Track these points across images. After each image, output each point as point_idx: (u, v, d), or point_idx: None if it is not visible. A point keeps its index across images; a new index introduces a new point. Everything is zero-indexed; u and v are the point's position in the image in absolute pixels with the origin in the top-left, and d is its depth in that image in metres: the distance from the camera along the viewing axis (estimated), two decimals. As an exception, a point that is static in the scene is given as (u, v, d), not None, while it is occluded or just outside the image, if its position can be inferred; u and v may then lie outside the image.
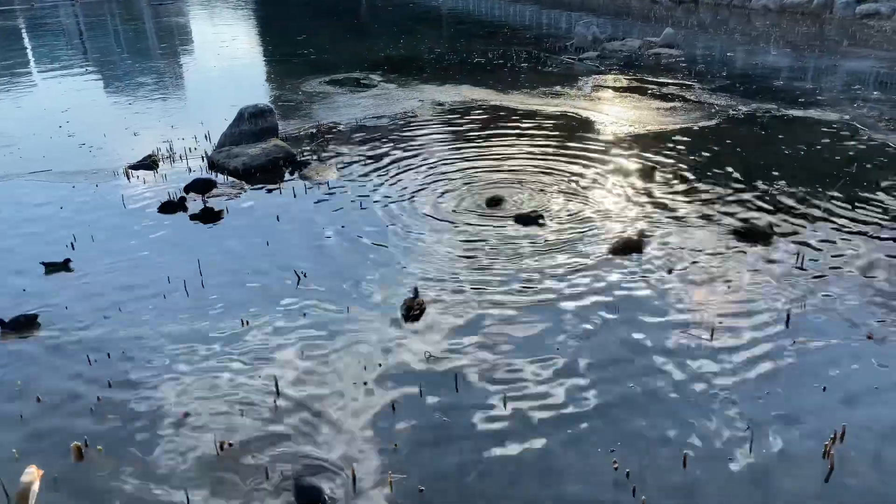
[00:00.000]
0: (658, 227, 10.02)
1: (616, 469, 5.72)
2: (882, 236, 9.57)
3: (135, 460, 5.98)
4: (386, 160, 13.24)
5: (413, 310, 7.91)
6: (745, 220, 10.09)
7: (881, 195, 10.93)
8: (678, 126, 14.96)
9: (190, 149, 14.18)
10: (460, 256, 9.30)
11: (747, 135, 14.37)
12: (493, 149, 13.77)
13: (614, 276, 8.67)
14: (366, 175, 12.56)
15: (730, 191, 11.32)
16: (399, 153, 13.63)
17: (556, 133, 14.74)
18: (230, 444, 6.11)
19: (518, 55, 23.65)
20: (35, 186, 12.59)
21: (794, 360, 7.02)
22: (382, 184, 12.06)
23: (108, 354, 7.42)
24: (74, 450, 6.04)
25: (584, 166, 12.62)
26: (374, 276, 8.87)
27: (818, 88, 18.16)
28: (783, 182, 11.60)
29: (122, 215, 11.14)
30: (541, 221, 10.16)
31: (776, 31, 27.45)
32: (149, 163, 13.27)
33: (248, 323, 7.91)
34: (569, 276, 8.68)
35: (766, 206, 10.69)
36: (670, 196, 11.15)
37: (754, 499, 5.45)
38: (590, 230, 9.96)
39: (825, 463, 5.71)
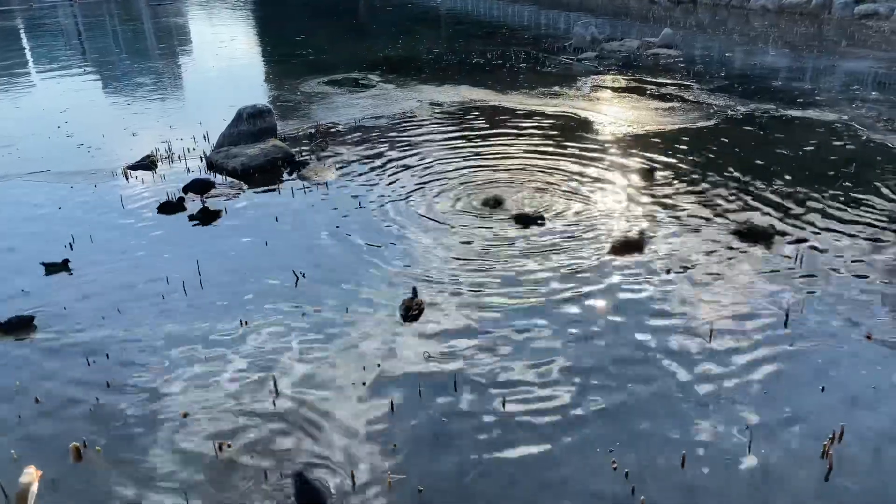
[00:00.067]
0: (657, 227, 10.03)
1: (615, 469, 5.72)
2: (880, 236, 9.58)
3: (134, 461, 5.98)
4: (384, 160, 13.24)
5: (412, 310, 7.91)
6: (743, 221, 10.09)
7: (880, 195, 10.94)
8: (677, 126, 14.97)
9: (188, 149, 14.17)
10: (459, 257, 9.29)
11: (746, 135, 14.38)
12: (492, 149, 13.77)
13: (613, 277, 8.68)
14: (364, 175, 12.56)
15: (728, 191, 11.33)
16: (397, 153, 13.63)
17: (555, 133, 14.74)
18: (229, 445, 6.11)
19: (517, 55, 23.65)
20: (34, 187, 12.57)
21: (792, 360, 7.03)
22: (381, 184, 12.06)
23: (107, 355, 7.41)
24: (73, 451, 6.03)
25: (583, 166, 12.63)
26: (373, 277, 8.87)
27: (816, 89, 18.18)
28: (782, 182, 11.61)
29: (121, 216, 11.13)
30: (540, 222, 10.16)
31: (774, 32, 27.48)
32: (147, 163, 13.26)
33: (246, 323, 7.91)
34: (568, 277, 8.68)
35: (764, 206, 10.70)
36: (669, 196, 11.16)
37: (753, 499, 5.46)
38: (589, 230, 9.97)
39: (824, 463, 5.72)
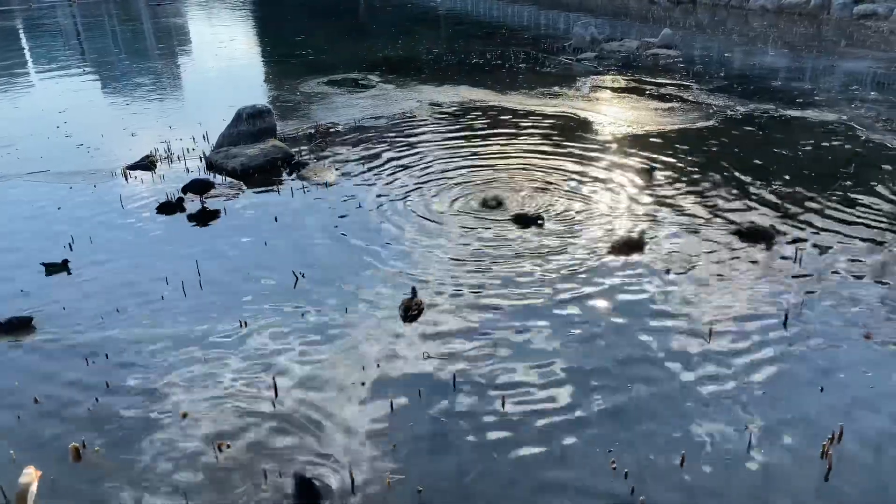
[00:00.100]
0: (656, 227, 10.03)
1: (614, 469, 5.72)
2: (879, 236, 9.58)
3: (133, 461, 5.98)
4: (384, 161, 13.24)
5: (411, 310, 7.91)
6: (742, 221, 10.09)
7: (879, 195, 10.95)
8: (676, 127, 14.98)
9: (188, 149, 14.17)
10: (458, 257, 9.29)
11: (745, 135, 14.39)
12: (492, 149, 13.77)
13: (613, 277, 8.68)
14: (364, 175, 12.56)
15: (728, 191, 11.33)
16: (397, 154, 13.63)
17: (555, 134, 14.74)
18: (228, 446, 6.11)
19: (516, 56, 23.66)
20: (33, 187, 12.57)
21: (792, 360, 7.03)
22: (380, 184, 12.06)
23: (106, 355, 7.41)
24: (72, 451, 6.03)
25: (583, 167, 12.63)
26: (373, 277, 8.87)
27: (816, 89, 18.18)
28: (781, 182, 11.61)
29: (120, 216, 11.13)
30: (540, 222, 10.16)
31: (774, 32, 27.49)
32: (147, 163, 13.26)
33: (246, 324, 7.90)
34: (567, 277, 8.69)
35: (763, 206, 10.70)
36: (668, 196, 11.16)
37: (753, 499, 5.46)
38: (589, 230, 9.97)
39: (823, 463, 5.72)
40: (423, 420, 6.37)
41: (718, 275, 8.67)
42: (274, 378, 6.93)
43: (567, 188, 11.63)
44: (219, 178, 12.65)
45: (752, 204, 10.79)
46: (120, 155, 13.93)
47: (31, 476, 5.53)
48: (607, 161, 12.93)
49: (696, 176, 12.04)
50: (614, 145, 13.91)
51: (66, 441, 6.14)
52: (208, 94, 20.48)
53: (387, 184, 12.06)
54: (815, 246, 9.37)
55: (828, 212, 10.41)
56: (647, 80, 19.57)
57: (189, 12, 42.05)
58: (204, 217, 11.01)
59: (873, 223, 9.99)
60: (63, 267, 9.32)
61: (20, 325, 7.91)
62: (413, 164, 12.97)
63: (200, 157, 13.71)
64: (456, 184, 11.94)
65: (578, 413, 6.39)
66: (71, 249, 9.87)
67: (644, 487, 5.53)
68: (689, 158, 12.94)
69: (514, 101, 17.62)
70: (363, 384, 6.85)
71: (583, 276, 8.71)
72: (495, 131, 15.00)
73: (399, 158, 13.33)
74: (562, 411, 6.41)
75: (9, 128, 16.52)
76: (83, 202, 11.75)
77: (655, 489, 5.53)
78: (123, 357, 7.40)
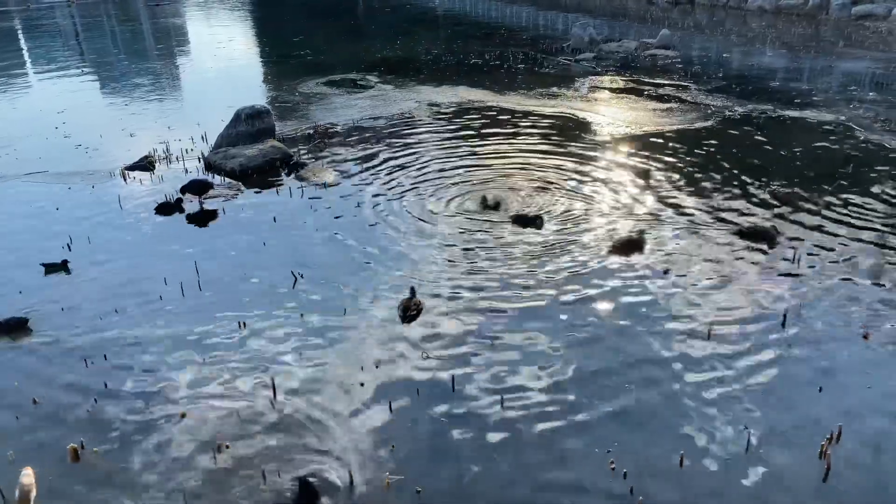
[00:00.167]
0: (655, 228, 10.03)
1: (613, 469, 5.72)
2: (877, 236, 9.59)
3: (131, 462, 5.97)
4: (383, 161, 13.24)
5: (410, 310, 7.91)
6: (742, 221, 10.11)
7: (877, 195, 10.96)
8: (675, 127, 14.99)
9: (186, 150, 14.16)
10: (457, 257, 9.29)
11: (743, 136, 14.40)
12: (490, 150, 13.78)
13: (611, 277, 8.69)
14: (363, 176, 12.55)
15: (726, 192, 11.34)
16: (395, 154, 13.63)
17: (553, 134, 14.75)
18: (227, 446, 6.10)
19: (515, 56, 23.67)
20: (32, 187, 12.55)
21: (790, 360, 7.04)
22: (379, 184, 12.06)
23: (105, 356, 7.40)
24: (71, 452, 6.03)
25: (581, 167, 12.64)
26: (371, 277, 8.87)
27: (814, 89, 18.20)
28: (779, 183, 11.62)
29: (119, 216, 11.12)
30: (538, 222, 10.16)
31: (772, 33, 27.52)
32: (145, 164, 13.25)
33: (245, 324, 7.90)
34: (566, 278, 8.69)
35: (762, 206, 10.71)
36: (667, 197, 11.17)
37: (751, 499, 5.46)
38: (588, 231, 9.98)
39: (822, 463, 5.73)
40: (421, 420, 6.37)
41: (716, 275, 8.68)
42: (273, 378, 6.93)
43: (566, 188, 11.63)
44: (217, 179, 12.65)
45: (751, 204, 10.80)
46: (118, 155, 13.92)
47: (31, 476, 5.53)
48: (606, 162, 12.94)
49: (694, 176, 12.05)
50: (613, 146, 13.92)
51: (65, 442, 6.14)
52: (207, 95, 20.47)
53: (385, 184, 12.06)
54: (813, 246, 9.37)
55: (826, 212, 10.42)
56: (646, 80, 19.58)
57: (188, 13, 42.03)
58: (203, 217, 11.01)
59: (871, 223, 10.00)
60: (63, 267, 9.31)
61: (17, 326, 7.90)
62: (411, 165, 12.97)
63: (199, 158, 13.71)
64: (454, 184, 11.95)
65: (577, 413, 6.39)
66: (69, 250, 9.87)
67: (643, 488, 5.53)
68: (688, 159, 12.95)
69: (512, 101, 17.63)
70: (362, 385, 6.85)
71: (582, 276, 8.72)
72: (494, 132, 15.00)
73: (397, 159, 13.33)
74: (560, 411, 6.42)
75: (7, 128, 16.51)
76: (82, 202, 11.74)
77: (654, 489, 5.54)
78: (122, 358, 7.39)
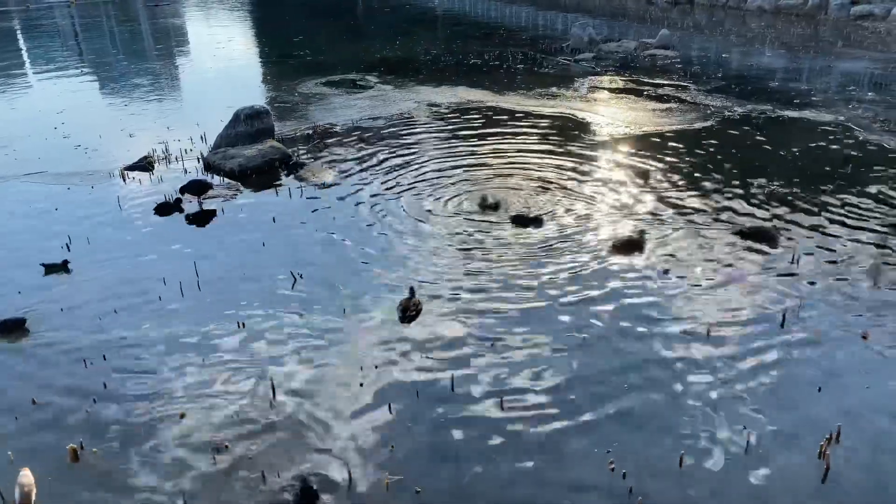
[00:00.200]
0: (654, 228, 10.04)
1: (612, 470, 5.72)
2: (876, 237, 9.60)
3: (130, 462, 5.97)
4: (382, 161, 13.24)
5: (409, 310, 7.91)
6: (740, 222, 10.12)
7: (876, 196, 10.97)
8: (674, 127, 14.99)
9: (186, 150, 14.16)
10: (457, 257, 9.30)
11: (742, 136, 14.41)
12: (490, 150, 13.78)
13: (611, 277, 8.69)
14: (362, 176, 12.55)
15: (725, 192, 11.35)
16: (395, 154, 13.63)
17: (553, 134, 14.76)
18: (226, 447, 6.10)
19: (514, 56, 23.67)
20: (31, 188, 12.55)
21: (789, 360, 7.04)
22: (378, 185, 12.06)
23: (104, 356, 7.40)
24: (70, 452, 6.02)
25: (581, 167, 12.64)
26: (371, 277, 8.86)
27: (813, 89, 18.21)
28: (778, 183, 11.63)
29: (118, 216, 11.12)
30: (538, 222, 10.17)
31: (771, 33, 27.53)
32: (144, 164, 13.25)
33: (244, 325, 7.90)
34: (565, 278, 8.69)
35: (761, 207, 10.72)
36: (666, 197, 11.17)
37: (750, 499, 5.47)
38: (587, 231, 9.98)
39: (821, 463, 5.73)
40: (421, 421, 6.37)
41: (716, 275, 8.68)
42: (272, 379, 6.93)
43: (566, 188, 11.63)
44: (216, 179, 12.64)
45: (750, 204, 10.81)
46: (118, 156, 13.92)
47: (30, 477, 5.53)
48: (605, 162, 12.95)
49: (694, 176, 12.05)
50: (612, 146, 13.92)
51: (65, 442, 6.14)
52: (206, 95, 20.46)
53: (385, 184, 12.06)
54: (812, 246, 9.38)
55: (825, 212, 10.43)
56: (645, 80, 19.59)
57: (187, 13, 42.02)
58: (202, 218, 11.00)
59: (870, 223, 10.01)
60: (63, 267, 9.31)
61: (14, 327, 7.88)
62: (411, 165, 12.97)
63: (198, 158, 13.70)
64: (454, 184, 11.95)
65: (576, 414, 6.39)
66: (69, 250, 9.86)
67: (642, 488, 5.54)
68: (687, 159, 12.95)
69: (511, 101, 17.64)
70: (361, 385, 6.85)
71: (581, 276, 8.72)
72: (493, 132, 15.00)
73: (397, 159, 13.34)
74: (560, 412, 6.42)
75: (6, 128, 16.50)
76: (81, 203, 11.73)
77: (654, 490, 5.54)
78: (121, 358, 7.39)
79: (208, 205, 11.41)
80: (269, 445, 6.13)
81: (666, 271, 8.80)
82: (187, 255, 9.56)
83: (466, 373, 6.98)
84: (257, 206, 11.52)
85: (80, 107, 18.80)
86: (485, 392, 6.70)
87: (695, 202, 10.95)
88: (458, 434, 6.20)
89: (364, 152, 13.85)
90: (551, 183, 11.91)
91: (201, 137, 14.89)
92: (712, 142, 13.99)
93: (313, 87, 19.94)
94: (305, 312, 8.12)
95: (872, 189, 11.24)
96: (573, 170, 12.53)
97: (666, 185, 11.71)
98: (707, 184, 11.72)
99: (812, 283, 8.44)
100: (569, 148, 13.76)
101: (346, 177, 12.56)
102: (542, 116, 16.13)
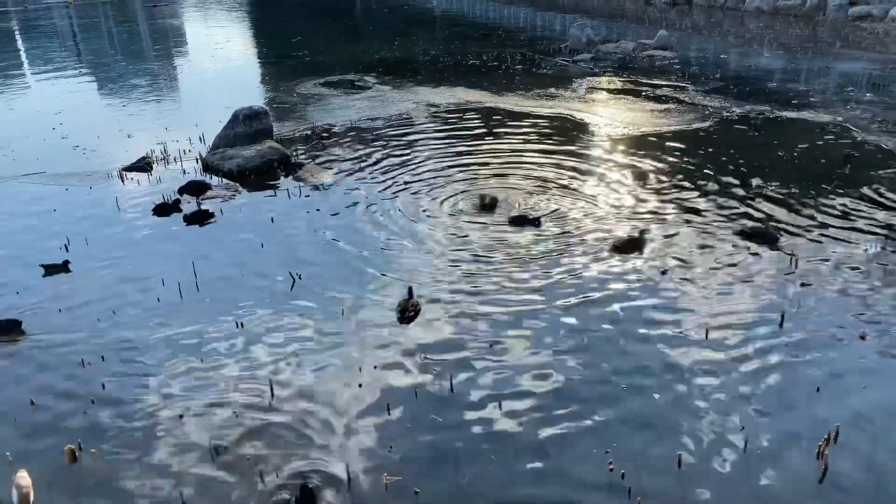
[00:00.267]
0: (653, 228, 10.04)
1: (611, 470, 5.72)
2: (874, 238, 9.61)
3: (129, 463, 5.97)
4: (380, 162, 13.25)
5: (408, 311, 7.91)
6: (739, 222, 10.13)
7: (874, 196, 10.98)
8: (672, 128, 15.01)
9: (184, 151, 14.15)
10: (455, 258, 9.30)
11: (741, 136, 14.42)
12: (488, 151, 13.79)
13: (609, 278, 8.69)
14: (361, 177, 12.55)
15: (724, 192, 11.36)
16: (393, 155, 13.63)
17: (551, 135, 14.77)
18: (225, 448, 6.10)
19: (512, 57, 23.69)
20: (29, 188, 12.54)
21: (787, 360, 7.05)
22: (377, 185, 12.06)
23: (102, 357, 7.39)
24: (68, 453, 6.02)
25: (579, 168, 12.65)
26: (369, 278, 8.86)
27: (811, 90, 18.24)
28: (777, 183, 11.64)
29: (116, 217, 11.11)
30: (536, 223, 10.18)
31: (769, 33, 27.56)
32: (143, 165, 13.24)
33: (242, 325, 7.90)
34: (564, 278, 8.70)
35: (760, 207, 10.73)
36: (665, 198, 11.19)
37: (749, 500, 5.47)
38: (586, 232, 9.98)
39: (819, 464, 5.73)
40: (420, 422, 6.37)
41: (714, 275, 8.69)
42: (270, 380, 6.93)
43: (564, 189, 11.64)
44: (215, 180, 12.64)
45: (748, 205, 10.81)
46: (116, 156, 13.91)
47: (27, 479, 5.52)
48: (603, 162, 12.96)
49: (692, 177, 12.06)
50: (611, 147, 13.94)
51: (63, 443, 6.13)
52: (205, 96, 20.46)
53: (383, 185, 12.06)
54: (810, 247, 9.39)
55: (823, 213, 10.44)
56: (643, 81, 19.61)
57: (185, 14, 42.02)
58: (200, 219, 10.99)
59: (869, 224, 10.02)
60: (63, 268, 9.30)
61: (10, 328, 7.86)
62: (409, 166, 12.97)
63: (197, 159, 13.70)
64: (452, 185, 11.95)
65: (575, 414, 6.39)
66: (67, 251, 9.85)
67: (641, 489, 5.54)
68: (686, 160, 12.96)
69: (510, 102, 17.64)
70: (360, 386, 6.85)
71: (580, 277, 8.72)
72: (492, 132, 15.01)
73: (395, 160, 13.34)
74: (558, 413, 6.41)
75: (5, 129, 16.48)
76: (79, 203, 11.72)
77: (652, 490, 5.54)
78: (119, 359, 7.38)
79: (207, 205, 11.40)
80: (267, 446, 6.12)
81: (664, 272, 8.80)
82: (186, 256, 9.55)
83: (465, 373, 6.97)
84: (256, 206, 11.52)
85: (79, 107, 18.79)
86: (484, 392, 6.70)
87: (693, 202, 10.96)
88: (456, 434, 6.20)
89: (362, 153, 13.86)
90: (550, 183, 11.92)
91: (200, 138, 14.88)
92: (711, 142, 14.00)
93: (312, 87, 19.95)
94: (304, 313, 8.12)
95: (871, 189, 11.25)
96: (572, 170, 12.54)
97: (664, 185, 11.72)
98: (705, 184, 11.73)
99: (810, 284, 8.45)
100: (567, 148, 13.76)
101: (345, 177, 12.56)
102: (541, 117, 16.14)
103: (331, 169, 12.95)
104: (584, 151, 13.61)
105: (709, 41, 26.60)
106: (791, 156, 13.11)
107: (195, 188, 11.72)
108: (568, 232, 10.00)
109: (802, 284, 8.43)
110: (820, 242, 9.51)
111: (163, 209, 11.24)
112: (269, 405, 6.63)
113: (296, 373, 7.08)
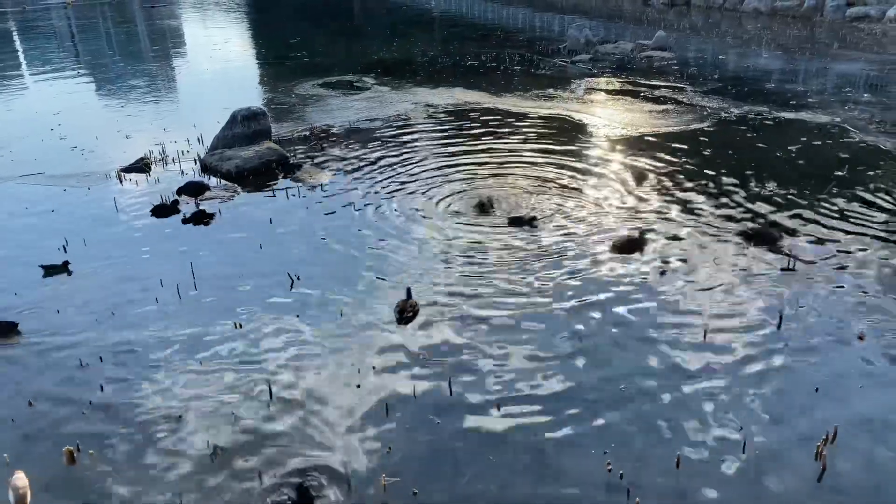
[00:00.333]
0: (651, 229, 10.05)
1: (610, 471, 5.73)
2: (873, 239, 9.62)
3: (127, 465, 5.96)
4: (379, 163, 13.25)
5: (406, 312, 7.91)
6: (737, 222, 10.14)
7: (873, 197, 10.99)
8: (671, 129, 15.02)
9: (182, 152, 14.15)
10: (454, 259, 9.30)
11: (739, 137, 14.44)
12: (487, 151, 13.79)
13: (608, 279, 8.70)
14: (359, 177, 12.55)
15: (722, 193, 11.36)
16: (392, 156, 13.63)
17: (550, 136, 14.77)
18: (223, 448, 6.09)
19: (511, 58, 23.70)
20: (27, 189, 12.52)
21: (786, 361, 7.05)
22: (375, 186, 12.06)
23: (101, 358, 7.38)
24: (66, 454, 6.01)
25: (578, 169, 12.66)
26: (368, 279, 8.86)
27: (809, 91, 18.26)
28: (775, 184, 11.65)
29: (115, 218, 11.10)
30: (535, 223, 10.18)
31: (767, 34, 27.59)
32: (141, 165, 13.23)
33: (241, 326, 7.89)
34: (562, 279, 8.70)
35: (757, 208, 10.73)
36: (663, 199, 11.19)
37: (747, 500, 5.47)
38: (584, 233, 9.99)
39: (817, 464, 5.74)
40: (418, 422, 6.37)
41: (712, 275, 8.69)
42: (269, 380, 6.92)
43: (563, 190, 11.64)
44: (213, 181, 12.64)
45: (747, 206, 10.81)
46: (114, 157, 13.90)
47: (24, 480, 5.51)
48: (602, 163, 12.97)
49: (690, 178, 12.07)
50: (609, 147, 13.95)
51: (61, 445, 6.12)
52: (203, 97, 20.46)
53: (382, 186, 12.07)
54: (808, 246, 9.39)
55: (822, 214, 10.44)
56: (642, 82, 19.63)
57: (184, 14, 42.01)
58: (198, 219, 10.98)
59: (867, 225, 10.03)
60: (63, 269, 9.29)
61: (7, 330, 7.84)
62: (408, 166, 12.97)
63: (195, 160, 13.70)
64: (451, 186, 11.95)
65: (574, 415, 6.39)
66: (65, 252, 9.84)
67: (640, 489, 5.54)
68: (684, 160, 12.97)
69: (508, 103, 17.65)
70: (358, 386, 6.85)
71: (579, 278, 8.72)
72: (490, 133, 15.02)
73: (394, 160, 13.34)
74: (557, 413, 6.41)
75: (3, 130, 16.48)
76: (78, 204, 11.72)
77: (651, 491, 5.54)
78: (117, 360, 7.37)
79: (205, 206, 11.39)
80: (265, 447, 6.12)
81: (663, 272, 8.81)
82: (184, 257, 9.55)
83: (464, 373, 6.97)
84: (254, 207, 11.51)
85: (77, 108, 18.78)
86: (482, 393, 6.70)
87: (692, 203, 10.97)
88: (455, 435, 6.20)
89: (361, 154, 13.86)
90: (547, 184, 11.92)
91: (198, 139, 14.88)
92: (709, 143, 14.01)
93: (310, 88, 19.95)
94: (303, 314, 8.11)
95: (869, 190, 11.26)
96: (570, 171, 12.54)
97: (662, 186, 11.72)
98: (704, 185, 11.73)
99: (808, 285, 8.45)
100: (566, 149, 13.77)
101: (344, 178, 12.56)
102: (540, 118, 16.15)
103: (329, 170, 12.95)
104: (582, 152, 13.61)
105: (707, 42, 26.63)
106: (789, 156, 13.12)
107: (193, 189, 11.71)
108: (567, 232, 10.00)
109: (800, 285, 8.43)
110: (818, 243, 9.52)
111: (161, 210, 11.23)
112: (268, 406, 6.62)
113: (294, 374, 7.08)
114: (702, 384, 6.74)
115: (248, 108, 14.37)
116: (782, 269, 8.82)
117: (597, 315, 7.93)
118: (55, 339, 7.78)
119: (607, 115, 16.36)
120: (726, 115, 16.01)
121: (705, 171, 12.41)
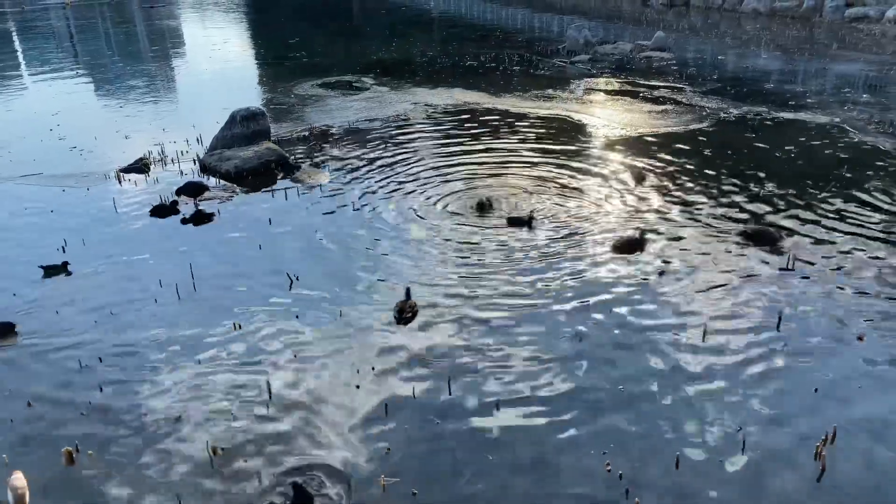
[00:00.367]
0: (650, 229, 10.04)
1: (609, 471, 5.72)
2: (872, 238, 9.62)
3: (126, 465, 5.95)
4: (378, 163, 13.24)
5: (405, 312, 7.90)
6: (736, 223, 10.14)
7: (871, 197, 11.00)
8: (670, 129, 15.02)
9: (181, 152, 14.14)
10: (453, 259, 9.29)
11: (738, 137, 14.44)
12: (485, 151, 13.79)
13: (607, 279, 8.69)
14: (358, 178, 12.55)
15: (721, 193, 11.37)
16: (391, 156, 13.63)
17: (549, 136, 14.77)
18: (222, 449, 6.08)
19: (510, 58, 23.70)
20: (26, 189, 12.51)
21: (785, 361, 7.05)
22: (374, 186, 12.06)
23: (100, 358, 7.37)
24: (65, 455, 6.00)
25: (577, 169, 12.66)
26: (367, 279, 8.86)
27: (808, 91, 18.27)
28: (774, 184, 11.66)
29: (114, 218, 11.09)
30: (533, 224, 10.18)
31: (766, 35, 27.61)
32: (140, 166, 13.22)
33: (240, 326, 7.88)
34: (563, 279, 8.69)
35: (757, 208, 10.74)
36: (662, 199, 11.19)
37: (746, 500, 5.47)
38: (582, 233, 9.98)
39: (817, 464, 5.74)
40: (417, 422, 6.37)
41: (711, 275, 8.69)
42: (268, 381, 6.92)
43: (560, 190, 11.64)
44: (212, 181, 12.63)
45: (746, 206, 10.82)
46: (113, 157, 13.89)
47: (22, 480, 5.50)
48: (601, 163, 12.97)
49: (689, 178, 12.07)
50: (608, 148, 13.94)
51: (59, 445, 6.11)
52: (202, 97, 20.44)
53: (381, 186, 12.06)
54: (807, 247, 9.40)
55: (820, 214, 10.45)
56: (641, 82, 19.63)
57: (183, 15, 41.99)
58: (198, 220, 10.97)
59: (866, 225, 10.03)
60: (63, 269, 9.28)
61: (4, 331, 7.81)
62: (407, 167, 12.97)
63: (194, 160, 13.68)
64: (450, 186, 11.95)
65: (573, 416, 6.39)
66: (64, 252, 9.83)
67: (639, 489, 5.53)
68: (683, 161, 12.98)
69: (508, 103, 17.65)
70: (357, 387, 6.84)
71: (578, 278, 8.72)
72: (489, 134, 15.02)
73: (393, 161, 13.33)
74: (556, 414, 6.41)
75: (2, 130, 16.47)
76: (77, 205, 11.71)
77: (650, 491, 5.54)
78: (116, 360, 7.36)
79: (204, 207, 11.38)
80: (264, 448, 6.11)
81: (662, 273, 8.81)
82: (183, 257, 9.54)
83: (463, 374, 6.97)
84: (253, 207, 11.50)
85: (76, 108, 18.77)
86: (481, 394, 6.69)
87: (692, 203, 10.97)
88: (454, 436, 6.19)
89: (360, 154, 13.85)
90: (546, 184, 11.92)
91: (197, 139, 14.87)
92: (708, 143, 14.02)
93: (309, 88, 19.94)
94: (302, 314, 8.10)
95: (867, 190, 11.26)
96: (569, 172, 12.54)
97: (661, 187, 11.73)
98: (702, 185, 11.74)
99: (808, 284, 8.45)
100: (565, 150, 13.77)
101: (342, 178, 12.55)
102: (539, 118, 16.15)
103: (328, 170, 12.94)
104: (581, 153, 13.61)
105: (706, 42, 26.65)
106: (788, 157, 13.13)
107: (193, 189, 11.70)
108: (567, 233, 9.99)
109: (799, 285, 8.43)
110: (817, 243, 9.52)
111: (160, 210, 11.22)
112: (267, 406, 6.61)
113: (293, 374, 7.07)
114: (701, 384, 6.74)
115: (248, 108, 14.36)
116: (781, 270, 8.82)
117: (596, 314, 7.93)
118: (54, 339, 7.76)
119: (606, 115, 16.36)
120: (725, 115, 16.01)
121: (705, 171, 12.41)
